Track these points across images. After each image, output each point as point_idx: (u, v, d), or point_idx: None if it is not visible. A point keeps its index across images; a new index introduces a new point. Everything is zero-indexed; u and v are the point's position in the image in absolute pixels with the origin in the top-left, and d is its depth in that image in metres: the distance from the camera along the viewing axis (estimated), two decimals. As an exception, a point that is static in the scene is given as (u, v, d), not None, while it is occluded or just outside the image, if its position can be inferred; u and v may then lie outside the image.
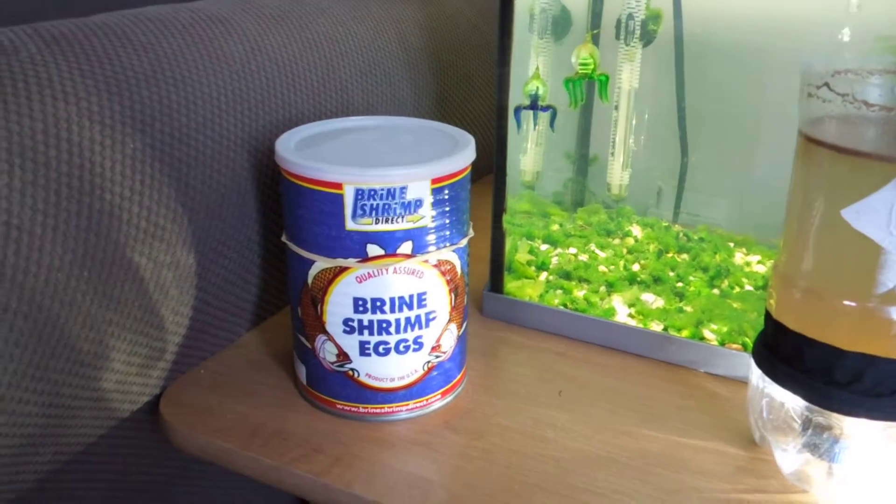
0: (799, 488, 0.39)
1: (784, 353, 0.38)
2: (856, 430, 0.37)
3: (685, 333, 0.50)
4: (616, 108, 0.63)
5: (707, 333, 0.50)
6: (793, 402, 0.38)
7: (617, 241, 0.63)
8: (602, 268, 0.58)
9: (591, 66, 0.50)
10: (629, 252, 0.61)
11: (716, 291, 0.55)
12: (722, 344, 0.50)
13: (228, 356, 0.49)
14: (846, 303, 0.35)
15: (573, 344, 0.52)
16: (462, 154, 0.42)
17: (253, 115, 0.46)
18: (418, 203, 0.40)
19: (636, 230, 0.64)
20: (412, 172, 0.39)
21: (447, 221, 0.42)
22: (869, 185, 0.33)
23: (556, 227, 0.64)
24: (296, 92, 0.50)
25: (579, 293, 0.55)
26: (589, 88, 0.55)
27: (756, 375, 0.40)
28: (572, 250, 0.60)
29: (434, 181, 0.40)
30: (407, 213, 0.40)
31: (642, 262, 0.59)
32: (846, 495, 0.39)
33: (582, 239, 0.62)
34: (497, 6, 0.49)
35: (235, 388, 0.46)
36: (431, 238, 0.41)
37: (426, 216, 0.41)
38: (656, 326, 0.51)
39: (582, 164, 0.69)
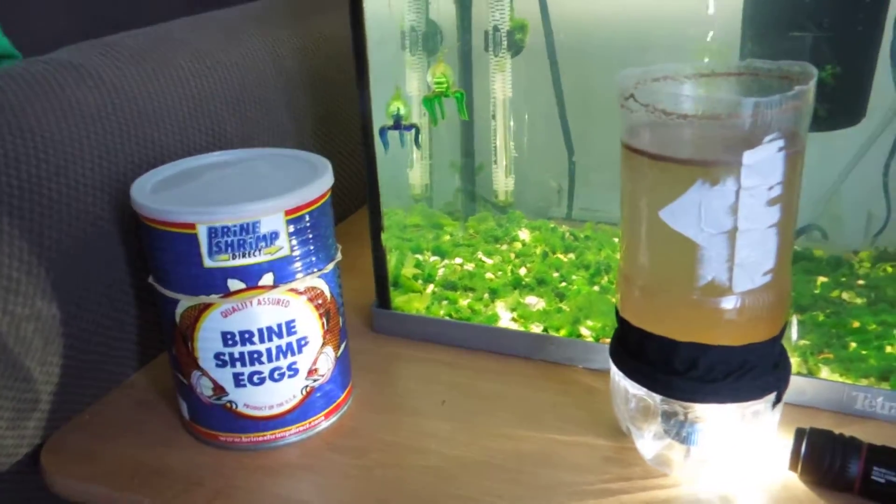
0: (661, 472, 0.41)
1: (629, 346, 0.40)
2: (708, 413, 0.40)
3: (563, 332, 0.52)
4: (493, 117, 0.65)
5: (584, 330, 0.52)
6: (647, 392, 0.40)
7: (505, 246, 0.65)
8: (489, 275, 0.60)
9: (446, 84, 0.52)
10: (517, 256, 0.63)
11: (596, 288, 0.58)
12: (597, 340, 0.52)
13: (114, 399, 0.49)
14: (675, 297, 0.37)
15: (460, 353, 0.54)
16: (318, 182, 0.43)
17: (111, 159, 0.46)
18: (274, 235, 0.41)
19: (525, 234, 0.66)
20: (264, 206, 0.40)
21: (311, 248, 0.43)
22: (680, 187, 0.35)
23: (447, 237, 0.66)
24: (161, 130, 0.50)
25: (464, 302, 0.56)
26: (457, 104, 0.57)
27: (614, 369, 0.42)
28: (458, 260, 0.62)
29: (289, 212, 0.41)
30: (264, 245, 0.41)
31: (528, 265, 0.61)
32: (704, 474, 0.41)
33: (469, 248, 0.63)
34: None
35: (120, 429, 0.47)
36: (296, 266, 0.43)
37: (284, 247, 0.42)
38: (537, 328, 0.53)
39: (468, 174, 0.71)
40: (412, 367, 0.53)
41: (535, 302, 0.56)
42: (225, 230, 0.40)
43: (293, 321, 0.43)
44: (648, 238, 0.38)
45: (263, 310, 0.42)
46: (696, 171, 0.35)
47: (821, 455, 0.39)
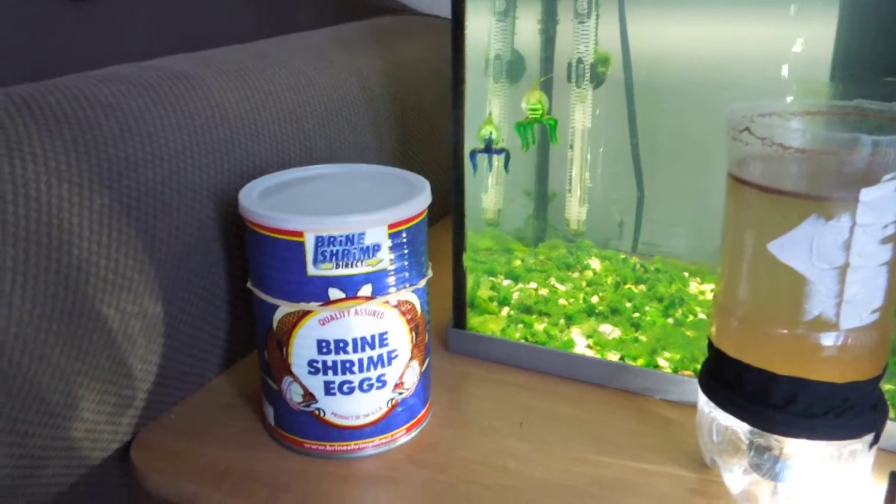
0: (747, 508, 0.41)
1: (725, 378, 0.40)
2: (798, 450, 0.39)
3: (640, 362, 0.52)
4: (571, 146, 0.66)
5: (661, 361, 0.52)
6: (737, 425, 0.40)
7: (576, 274, 0.65)
8: (562, 301, 0.60)
9: (540, 111, 0.53)
10: (588, 285, 0.63)
11: (670, 320, 0.58)
12: (675, 371, 0.52)
13: (198, 400, 0.50)
14: (778, 330, 0.38)
15: (534, 376, 0.54)
16: (417, 199, 0.44)
17: (217, 167, 0.48)
18: (376, 247, 0.42)
19: (595, 263, 0.66)
20: (369, 219, 0.42)
21: (406, 263, 0.44)
22: (791, 221, 0.36)
23: (518, 262, 0.66)
24: (259, 143, 0.52)
25: (539, 326, 0.57)
26: (543, 130, 0.58)
27: (703, 401, 0.42)
28: (533, 285, 0.62)
29: (391, 226, 0.42)
30: (366, 257, 0.42)
31: (600, 294, 0.61)
32: (791, 513, 0.41)
33: (542, 273, 0.64)
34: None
35: (205, 431, 0.47)
36: (391, 280, 0.43)
37: (384, 259, 0.43)
38: (613, 356, 0.53)
39: (541, 201, 0.71)
40: (487, 387, 0.53)
41: (609, 330, 0.56)
42: (331, 240, 0.41)
43: (385, 333, 0.44)
44: (751, 269, 0.38)
45: (359, 320, 0.43)
46: (811, 206, 0.35)
47: (918, 499, 0.38)
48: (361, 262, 0.42)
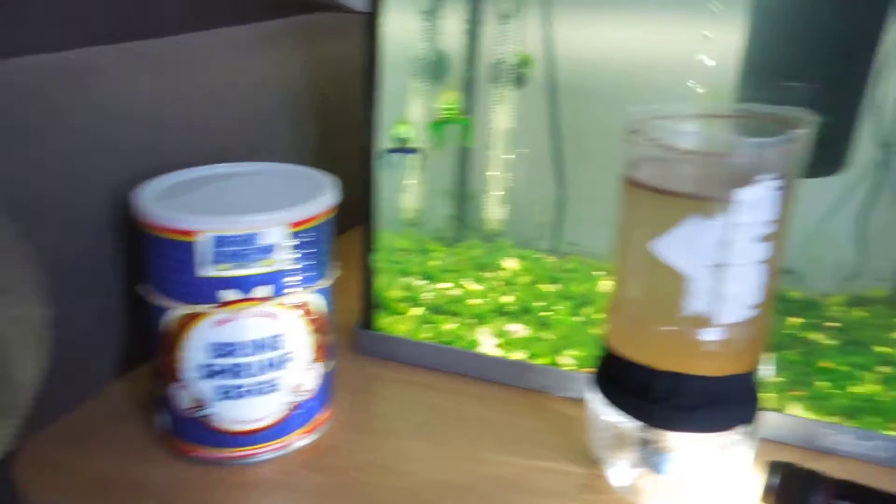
0: (631, 500, 0.42)
1: (611, 374, 0.41)
2: (681, 443, 0.40)
3: (544, 360, 0.53)
4: (491, 147, 0.67)
5: (565, 359, 0.53)
6: (623, 421, 0.41)
7: (491, 274, 0.66)
8: (474, 300, 0.61)
9: (454, 111, 0.53)
10: (504, 284, 0.64)
11: (578, 319, 0.59)
12: (578, 369, 0.53)
13: (89, 409, 0.48)
14: (659, 327, 0.39)
15: (442, 376, 0.54)
16: (320, 198, 0.44)
17: (120, 167, 0.46)
18: (274, 247, 0.41)
19: (512, 263, 0.67)
20: (267, 218, 0.41)
21: (308, 264, 0.43)
22: (673, 220, 0.37)
23: (435, 262, 0.67)
24: (169, 141, 0.51)
25: (448, 326, 0.57)
26: (463, 131, 0.58)
27: (590, 397, 0.43)
28: (445, 285, 0.62)
29: (292, 225, 0.42)
30: (264, 257, 0.41)
31: (514, 294, 0.62)
32: (675, 502, 0.42)
33: (457, 273, 0.64)
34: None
35: (94, 441, 0.46)
36: (290, 280, 0.43)
37: (283, 260, 0.42)
38: (519, 355, 0.54)
39: (462, 202, 0.72)
40: (393, 388, 0.53)
41: (517, 329, 0.57)
42: (226, 239, 0.40)
43: (282, 335, 0.43)
44: (639, 269, 0.39)
45: (254, 322, 0.42)
46: (691, 206, 0.36)
47: (791, 488, 0.40)
48: (258, 262, 0.41)
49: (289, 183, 0.46)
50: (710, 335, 0.38)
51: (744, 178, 0.35)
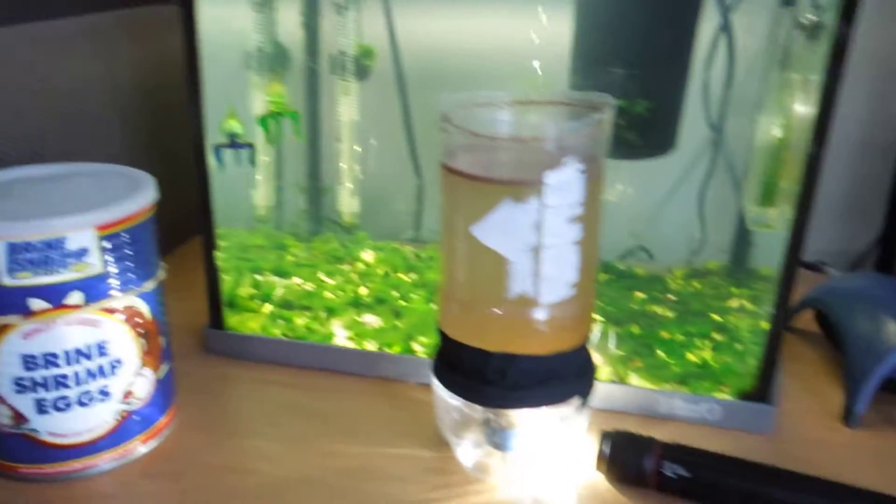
0: (479, 479, 0.43)
1: (448, 359, 0.42)
2: (521, 419, 0.41)
3: (396, 349, 0.53)
4: (339, 139, 0.66)
5: (417, 347, 0.53)
6: (465, 402, 0.42)
7: (348, 267, 0.65)
8: (329, 294, 0.60)
9: (280, 104, 0.52)
10: (359, 277, 0.63)
11: (434, 306, 0.59)
12: (430, 356, 0.53)
13: None
14: (488, 310, 0.39)
15: (295, 372, 0.53)
16: (136, 197, 0.42)
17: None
18: (84, 252, 0.39)
19: (369, 255, 0.67)
20: (72, 221, 0.39)
21: (128, 265, 0.41)
22: (490, 205, 0.37)
23: (290, 258, 0.65)
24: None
25: (300, 321, 0.56)
26: (293, 124, 0.57)
27: (435, 382, 0.43)
28: (297, 280, 0.61)
29: (102, 227, 0.40)
30: (72, 262, 0.39)
31: (369, 285, 0.62)
32: (519, 478, 0.43)
33: (311, 268, 0.63)
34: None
35: None
36: (110, 284, 0.41)
37: (96, 264, 0.40)
38: (372, 346, 0.54)
39: (314, 195, 0.71)
40: (244, 387, 0.52)
41: (372, 320, 0.57)
42: (27, 246, 0.38)
43: (105, 342, 0.41)
44: (464, 254, 0.39)
45: (71, 330, 0.40)
46: (506, 190, 0.37)
47: (621, 454, 0.42)
48: (66, 268, 0.39)
49: (104, 184, 0.44)
50: (535, 315, 0.39)
51: (551, 162, 0.36)
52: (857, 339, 0.50)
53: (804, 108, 0.43)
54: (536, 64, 0.55)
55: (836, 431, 0.48)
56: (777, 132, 0.46)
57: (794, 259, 0.43)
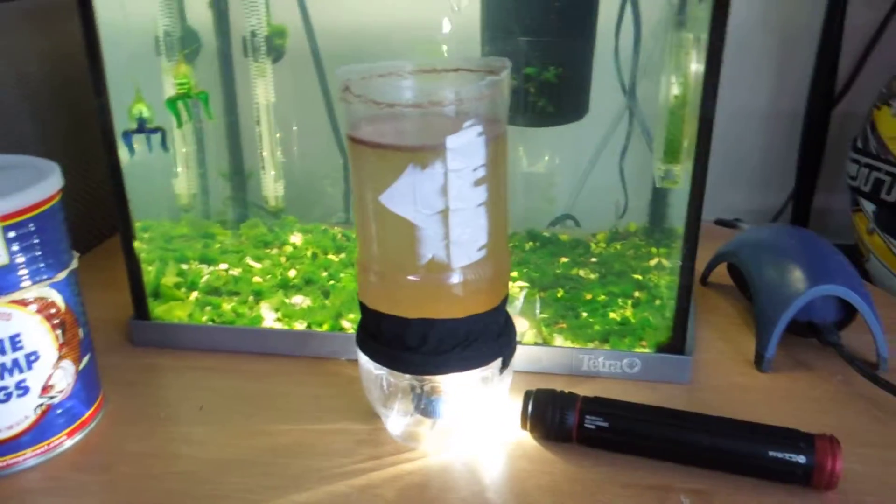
0: (409, 447, 0.44)
1: (370, 330, 0.42)
2: (445, 385, 0.42)
3: (325, 327, 0.54)
4: (258, 123, 0.65)
5: (345, 323, 0.54)
6: (389, 372, 0.42)
7: (275, 250, 0.65)
8: (257, 278, 0.60)
9: (188, 86, 0.52)
10: (287, 260, 0.63)
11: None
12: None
13: None
14: (402, 277, 0.40)
15: (224, 357, 0.53)
16: (40, 186, 0.41)
17: None
18: (-13, 244, 0.38)
19: (297, 238, 0.66)
20: (-30, 213, 0.38)
21: (37, 255, 0.41)
22: (396, 173, 0.38)
23: (217, 245, 0.65)
24: None
25: (228, 307, 0.56)
26: (202, 105, 0.56)
27: (360, 354, 0.44)
28: (224, 266, 0.61)
29: (5, 217, 0.39)
30: (-24, 255, 0.38)
31: (297, 267, 0.62)
32: (448, 444, 0.44)
33: (238, 254, 0.63)
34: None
35: None
36: (18, 276, 0.40)
37: (2, 255, 0.39)
38: (301, 325, 0.54)
39: (238, 181, 0.70)
40: (171, 376, 0.52)
41: (300, 301, 0.57)
42: (-76, 240, 0.37)
43: (19, 335, 0.40)
44: (375, 224, 0.40)
45: (-19, 325, 0.39)
46: (409, 157, 0.37)
47: (544, 412, 0.43)
48: (-30, 261, 0.38)
49: (7, 174, 0.43)
50: (449, 279, 0.40)
51: (453, 127, 0.37)
52: (764, 287, 0.52)
53: (697, 66, 0.44)
54: (447, 31, 0.55)
55: (749, 376, 0.50)
56: (676, 90, 0.48)
57: (696, 210, 0.44)
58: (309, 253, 0.64)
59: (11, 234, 0.39)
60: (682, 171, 0.50)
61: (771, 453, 0.38)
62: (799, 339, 0.52)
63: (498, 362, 0.42)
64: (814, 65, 0.70)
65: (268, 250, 0.64)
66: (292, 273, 0.61)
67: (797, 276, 0.50)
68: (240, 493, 0.40)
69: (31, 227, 0.40)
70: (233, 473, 0.42)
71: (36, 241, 0.41)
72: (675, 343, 0.49)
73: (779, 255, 0.53)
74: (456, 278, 0.40)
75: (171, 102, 0.52)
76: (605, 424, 0.42)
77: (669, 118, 0.49)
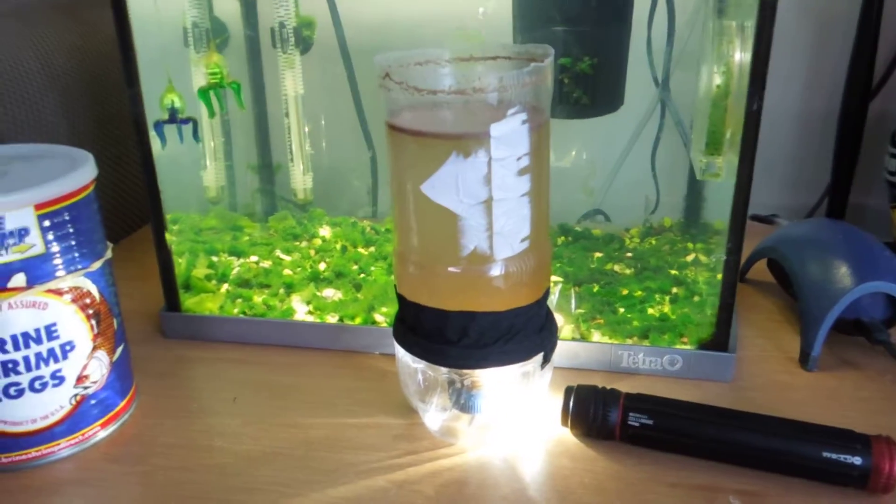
0: (447, 443, 0.43)
1: (408, 322, 0.41)
2: (485, 379, 0.41)
3: (358, 320, 0.53)
4: (287, 115, 0.65)
5: (378, 317, 0.53)
6: (428, 365, 0.41)
7: (305, 243, 0.64)
8: (287, 271, 0.59)
9: (220, 75, 0.51)
10: (317, 252, 0.63)
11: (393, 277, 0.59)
12: (391, 325, 0.53)
13: None
14: (443, 268, 0.39)
15: (255, 349, 0.53)
16: (75, 174, 0.40)
17: None
18: (24, 231, 0.38)
19: (326, 231, 0.66)
20: (8, 200, 0.37)
21: (72, 244, 0.40)
22: (438, 162, 0.37)
23: (245, 238, 0.64)
24: None
25: (259, 299, 0.55)
26: (234, 95, 0.55)
27: (398, 348, 0.43)
28: (254, 258, 0.60)
29: (41, 206, 0.38)
30: (13, 243, 0.38)
31: (328, 260, 0.61)
32: (487, 439, 0.43)
33: (267, 247, 0.62)
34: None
35: None
36: (54, 265, 0.40)
37: (38, 244, 0.39)
38: (333, 319, 0.53)
39: (266, 174, 0.70)
40: (203, 368, 0.51)
41: (332, 294, 0.56)
42: (-42, 228, 0.36)
43: (54, 324, 0.40)
44: (415, 214, 0.39)
45: (16, 314, 0.39)
46: (452, 145, 0.36)
47: (586, 408, 0.42)
48: (6, 249, 0.38)
49: (43, 164, 0.42)
50: (491, 271, 0.39)
51: (496, 115, 0.36)
52: (809, 284, 0.51)
53: (741, 55, 0.43)
54: (482, 13, 0.54)
55: (794, 375, 0.49)
56: (718, 80, 0.46)
57: (742, 203, 0.43)
58: (338, 246, 0.63)
59: (46, 224, 0.39)
60: (724, 162, 0.48)
61: (825, 454, 0.37)
62: (845, 336, 0.51)
63: (539, 357, 0.41)
64: (851, 55, 0.68)
65: (297, 243, 0.64)
66: (322, 266, 0.60)
67: (843, 272, 0.49)
68: (275, 487, 0.40)
69: (66, 216, 0.40)
70: (267, 466, 0.41)
71: (71, 230, 0.40)
72: (719, 340, 0.48)
73: (823, 251, 0.51)
74: (498, 270, 0.39)
75: (203, 92, 0.51)
76: (650, 422, 0.41)
77: (711, 109, 0.48)
